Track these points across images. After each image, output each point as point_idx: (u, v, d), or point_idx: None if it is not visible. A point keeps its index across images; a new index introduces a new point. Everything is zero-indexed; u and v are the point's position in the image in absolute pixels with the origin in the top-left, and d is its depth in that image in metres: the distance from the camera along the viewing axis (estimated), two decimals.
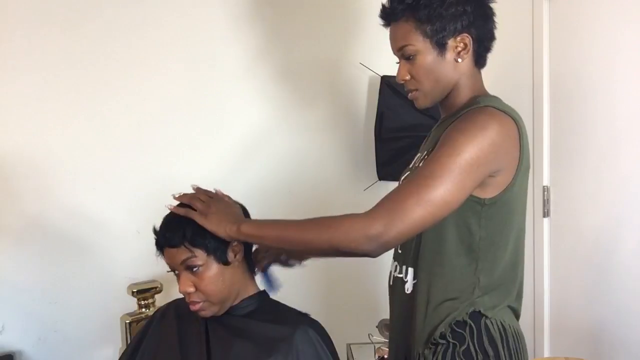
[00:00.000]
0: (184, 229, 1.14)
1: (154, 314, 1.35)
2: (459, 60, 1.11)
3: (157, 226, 1.20)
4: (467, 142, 1.01)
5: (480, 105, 1.09)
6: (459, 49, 1.11)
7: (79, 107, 1.94)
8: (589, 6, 1.62)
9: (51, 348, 1.94)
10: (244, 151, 2.08)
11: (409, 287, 1.17)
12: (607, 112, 1.56)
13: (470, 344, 1.08)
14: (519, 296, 1.18)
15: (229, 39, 2.05)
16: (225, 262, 1.17)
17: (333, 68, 2.13)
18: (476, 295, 1.10)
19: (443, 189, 0.99)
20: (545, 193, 1.79)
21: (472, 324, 1.09)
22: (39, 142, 1.91)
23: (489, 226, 1.08)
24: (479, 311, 1.10)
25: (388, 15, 1.15)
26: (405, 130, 2.04)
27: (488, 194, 1.07)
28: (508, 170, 1.07)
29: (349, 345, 1.98)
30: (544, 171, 1.79)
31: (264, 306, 1.25)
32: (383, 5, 1.16)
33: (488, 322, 1.10)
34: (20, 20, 1.88)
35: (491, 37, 1.16)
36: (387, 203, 1.01)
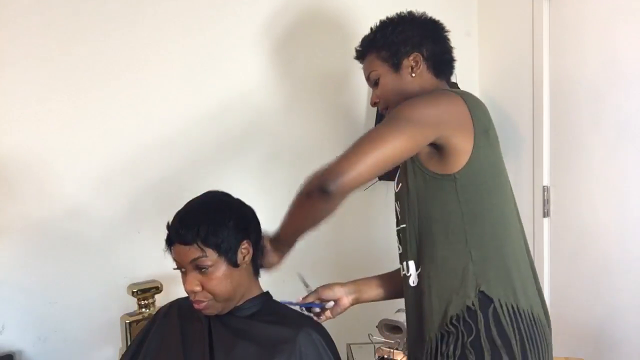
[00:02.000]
0: (199, 227, 1.14)
1: (156, 313, 1.35)
2: (413, 75, 1.27)
3: (170, 221, 1.19)
4: (409, 103, 1.13)
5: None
6: (412, 65, 1.27)
7: (80, 107, 1.94)
8: (589, 6, 1.62)
9: (51, 348, 1.94)
10: (244, 152, 2.08)
11: (414, 280, 1.21)
12: (607, 112, 1.57)
13: (480, 334, 1.09)
14: (530, 270, 1.19)
15: (229, 40, 2.05)
16: (234, 264, 1.17)
17: (333, 68, 2.13)
18: (473, 271, 1.12)
19: (390, 141, 1.08)
20: (545, 193, 1.79)
21: (480, 312, 1.10)
22: (39, 142, 1.91)
23: (468, 201, 1.13)
24: (483, 291, 1.10)
25: (360, 55, 1.35)
26: None
27: (454, 167, 1.13)
28: (462, 136, 1.12)
29: (349, 345, 1.98)
30: (544, 171, 1.79)
31: (268, 308, 1.25)
32: (356, 49, 1.36)
33: (497, 306, 1.10)
34: (20, 21, 1.88)
35: (444, 53, 1.30)
36: (339, 157, 1.10)
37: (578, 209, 1.68)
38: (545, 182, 1.80)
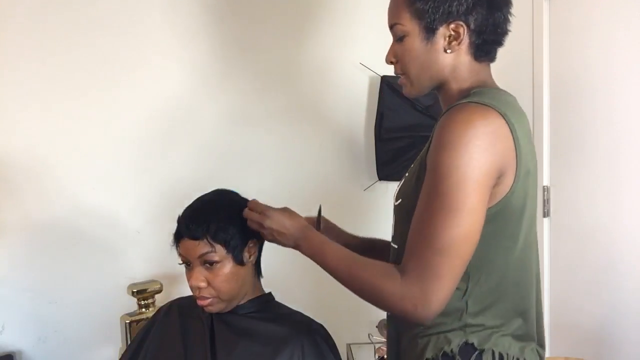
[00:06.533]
0: (209, 222, 1.14)
1: (156, 312, 1.35)
2: (448, 51, 0.99)
3: (180, 216, 1.19)
4: (452, 159, 0.88)
5: (462, 102, 0.94)
6: (450, 38, 0.98)
7: (80, 108, 1.93)
8: (589, 6, 1.62)
9: (51, 348, 1.93)
10: (244, 151, 2.08)
11: None
12: (607, 112, 1.57)
13: None
14: (532, 316, 1.03)
15: (229, 39, 2.05)
16: (240, 262, 1.17)
17: (333, 68, 2.13)
18: (464, 322, 0.96)
19: (456, 225, 0.87)
20: (545, 193, 1.79)
21: (460, 358, 0.95)
22: (40, 142, 1.91)
23: (481, 241, 0.91)
24: (472, 343, 0.95)
25: None
26: (405, 130, 2.04)
27: None
28: (508, 174, 0.92)
29: (349, 345, 1.98)
30: (544, 171, 1.79)
31: (270, 308, 1.25)
32: None
33: (484, 356, 0.95)
34: (20, 21, 1.88)
35: (496, 30, 1.00)
36: (412, 267, 0.90)
37: (578, 209, 1.68)
38: (545, 182, 1.80)
